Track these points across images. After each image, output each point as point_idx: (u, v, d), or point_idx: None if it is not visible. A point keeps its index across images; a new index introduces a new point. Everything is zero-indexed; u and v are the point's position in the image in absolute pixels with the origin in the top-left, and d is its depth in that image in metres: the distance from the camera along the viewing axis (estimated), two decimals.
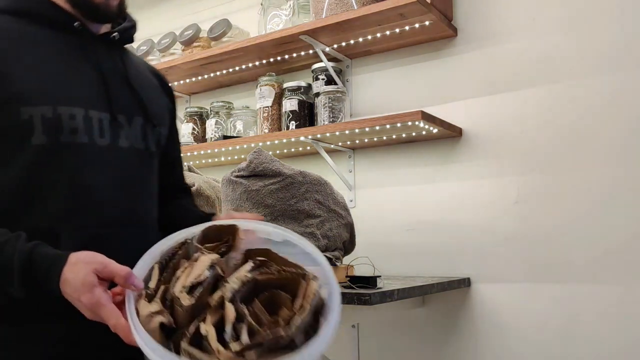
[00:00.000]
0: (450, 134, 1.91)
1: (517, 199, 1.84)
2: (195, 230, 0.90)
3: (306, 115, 2.14)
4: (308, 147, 2.08)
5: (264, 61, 2.27)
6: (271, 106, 2.20)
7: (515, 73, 1.87)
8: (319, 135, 1.94)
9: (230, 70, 2.36)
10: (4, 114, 0.90)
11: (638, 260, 1.65)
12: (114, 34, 1.04)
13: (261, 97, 2.22)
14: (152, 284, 0.81)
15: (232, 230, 0.89)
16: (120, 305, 0.79)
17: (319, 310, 0.78)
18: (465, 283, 1.87)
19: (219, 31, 2.32)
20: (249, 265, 0.81)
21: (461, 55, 1.98)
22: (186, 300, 0.75)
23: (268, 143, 2.04)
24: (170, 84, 1.23)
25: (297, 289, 0.79)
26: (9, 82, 0.90)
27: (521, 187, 1.83)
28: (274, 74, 2.26)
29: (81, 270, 0.81)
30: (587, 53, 1.76)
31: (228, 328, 0.73)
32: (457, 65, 1.98)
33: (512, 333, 1.81)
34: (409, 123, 1.75)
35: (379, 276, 1.46)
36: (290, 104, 2.13)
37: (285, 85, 2.19)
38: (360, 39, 2.03)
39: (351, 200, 2.13)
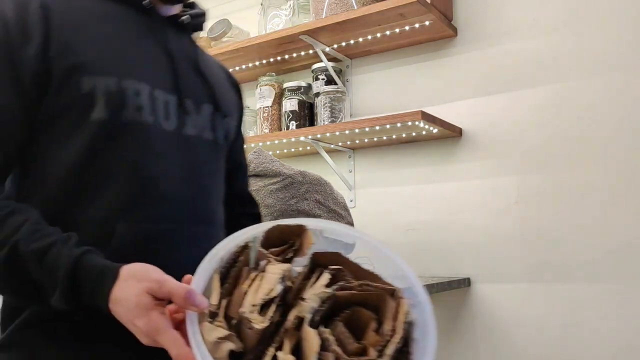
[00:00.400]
0: (450, 134, 1.91)
1: (517, 199, 1.84)
2: (257, 231, 0.77)
3: (306, 115, 2.14)
4: (308, 147, 2.08)
5: (264, 61, 2.27)
6: (271, 106, 2.20)
7: (515, 73, 1.87)
8: (319, 135, 1.94)
9: (231, 70, 2.36)
10: (64, 88, 0.81)
11: (638, 260, 1.65)
12: (185, 17, 0.98)
13: (261, 97, 2.22)
14: (214, 300, 0.69)
15: (299, 231, 0.78)
16: (180, 325, 0.69)
17: (408, 334, 0.68)
18: (465, 283, 1.87)
19: (219, 31, 2.32)
20: (326, 277, 0.70)
21: (461, 55, 1.97)
22: (259, 323, 0.65)
23: (268, 143, 2.04)
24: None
25: (382, 306, 0.70)
26: (72, 53, 0.81)
27: (521, 187, 1.83)
28: (274, 74, 2.26)
29: (133, 289, 0.70)
30: (587, 53, 1.76)
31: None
32: (457, 65, 1.98)
33: (512, 333, 1.81)
34: (409, 123, 1.75)
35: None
36: (290, 104, 2.13)
37: (285, 85, 2.19)
38: (360, 39, 2.03)
39: (351, 200, 2.13)
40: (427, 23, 1.89)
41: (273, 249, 0.76)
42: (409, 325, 0.68)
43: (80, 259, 0.74)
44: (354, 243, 0.81)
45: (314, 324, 0.66)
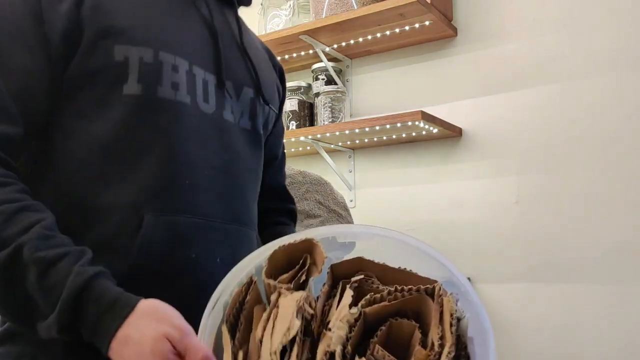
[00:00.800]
0: (450, 134, 1.91)
1: (517, 199, 1.84)
2: (259, 260, 0.67)
3: (306, 115, 2.14)
4: (308, 147, 2.08)
5: None
6: None
7: (515, 73, 1.87)
8: (319, 135, 1.94)
9: None
10: (95, 52, 0.73)
11: (638, 260, 1.65)
12: None
13: None
14: (227, 357, 0.59)
15: (306, 247, 0.68)
16: None
17: (460, 336, 0.59)
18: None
19: None
20: (349, 294, 0.61)
21: (461, 55, 1.97)
22: None
23: None
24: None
25: (423, 310, 0.61)
26: (106, 14, 0.74)
27: (521, 187, 1.83)
28: None
29: (150, 331, 0.60)
30: (587, 53, 1.76)
31: None
32: (457, 65, 1.98)
33: (512, 333, 1.81)
34: (409, 123, 1.75)
35: None
36: (290, 104, 2.13)
37: None
38: (360, 39, 2.03)
39: (351, 200, 2.13)
40: (427, 23, 1.89)
41: (282, 276, 0.66)
42: (459, 325, 0.59)
43: (92, 281, 0.63)
44: (353, 242, 0.76)
45: (347, 356, 0.57)
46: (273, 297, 0.63)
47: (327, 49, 2.10)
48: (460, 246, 1.91)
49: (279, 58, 2.23)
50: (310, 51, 2.14)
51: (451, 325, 0.58)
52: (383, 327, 0.60)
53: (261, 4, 2.28)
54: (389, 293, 0.62)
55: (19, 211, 0.66)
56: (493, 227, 1.86)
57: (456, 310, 0.60)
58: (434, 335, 0.58)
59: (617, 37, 1.73)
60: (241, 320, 0.63)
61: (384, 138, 1.99)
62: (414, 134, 1.91)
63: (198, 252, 0.75)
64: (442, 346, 0.57)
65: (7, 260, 0.63)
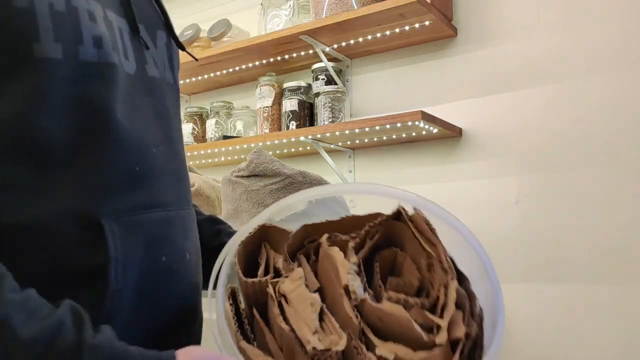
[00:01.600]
0: (450, 134, 1.91)
1: (517, 199, 1.84)
2: (225, 263, 0.65)
3: (306, 115, 2.14)
4: (308, 147, 2.08)
5: (264, 61, 2.27)
6: (271, 106, 2.20)
7: (515, 73, 1.87)
8: (319, 135, 1.94)
9: (230, 70, 2.36)
10: None
11: (638, 260, 1.65)
12: None
13: (261, 97, 2.22)
14: None
15: (263, 233, 0.69)
16: None
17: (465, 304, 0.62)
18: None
19: (219, 31, 2.32)
20: (337, 250, 0.64)
21: (461, 55, 1.97)
22: (340, 342, 0.56)
23: (268, 143, 2.04)
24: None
25: (395, 235, 0.65)
26: None
27: (521, 187, 1.83)
28: (274, 74, 2.26)
29: None
30: (587, 53, 1.76)
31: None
32: (457, 65, 1.98)
33: (512, 333, 1.81)
34: (409, 123, 1.75)
35: None
36: (290, 104, 2.13)
37: (285, 85, 2.19)
38: (360, 39, 2.03)
39: (351, 201, 2.13)
40: (427, 23, 1.89)
41: (260, 271, 0.67)
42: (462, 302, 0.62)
43: (116, 349, 0.50)
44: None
45: (374, 299, 0.61)
46: (269, 290, 0.62)
47: (327, 49, 2.10)
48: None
49: (279, 58, 2.25)
50: (310, 51, 2.14)
51: (431, 230, 0.62)
52: (377, 263, 0.64)
53: (261, 4, 2.28)
54: (366, 233, 0.66)
55: None
56: (493, 227, 1.86)
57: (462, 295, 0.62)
58: (417, 251, 0.62)
59: (617, 37, 1.72)
60: (246, 326, 0.61)
61: (384, 138, 1.99)
62: (414, 134, 1.91)
63: (167, 253, 0.64)
64: (430, 256, 0.62)
65: None
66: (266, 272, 0.66)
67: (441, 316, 0.60)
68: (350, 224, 0.71)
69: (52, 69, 0.54)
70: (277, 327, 0.59)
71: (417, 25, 1.91)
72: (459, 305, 0.62)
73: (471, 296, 0.64)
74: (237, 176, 1.65)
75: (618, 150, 1.70)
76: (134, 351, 0.51)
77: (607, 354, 1.67)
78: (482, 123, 1.92)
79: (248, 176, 1.63)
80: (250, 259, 0.68)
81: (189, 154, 2.25)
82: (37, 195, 0.54)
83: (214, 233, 0.83)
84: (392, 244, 0.69)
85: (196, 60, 0.87)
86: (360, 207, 2.14)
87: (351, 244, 0.66)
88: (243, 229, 0.69)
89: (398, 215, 0.67)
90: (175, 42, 0.74)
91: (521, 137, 1.85)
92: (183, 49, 0.77)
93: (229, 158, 2.34)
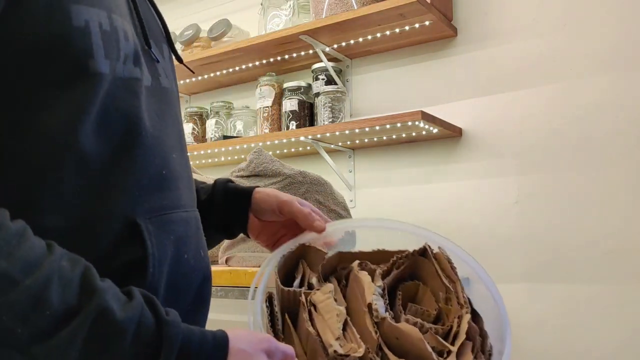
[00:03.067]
0: (450, 134, 1.91)
1: (517, 199, 1.84)
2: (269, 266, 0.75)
3: (306, 115, 2.14)
4: (308, 147, 2.08)
5: (264, 61, 2.27)
6: (271, 106, 2.20)
7: (515, 73, 1.87)
8: (319, 135, 1.94)
9: (230, 70, 2.36)
10: (45, 13, 0.57)
11: (638, 260, 1.65)
12: None
13: (261, 97, 2.22)
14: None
15: (301, 252, 0.79)
16: None
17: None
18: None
19: (219, 31, 2.32)
20: (365, 275, 0.72)
21: (461, 55, 1.97)
22: (359, 349, 0.64)
23: (268, 143, 2.04)
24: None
25: (419, 269, 0.73)
26: None
27: (521, 187, 1.83)
28: (274, 74, 2.26)
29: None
30: (587, 53, 1.76)
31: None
32: (457, 65, 1.98)
33: (512, 333, 1.81)
34: (409, 123, 1.75)
35: None
36: (290, 104, 2.13)
37: (285, 85, 2.19)
38: (360, 39, 2.03)
39: (351, 200, 2.13)
40: (427, 23, 1.89)
41: (295, 283, 0.75)
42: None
43: (183, 329, 0.56)
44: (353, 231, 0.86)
45: (393, 319, 0.67)
46: (302, 299, 0.70)
47: (327, 49, 2.10)
48: (460, 246, 1.91)
49: (279, 58, 2.25)
50: (310, 51, 2.14)
51: (452, 269, 0.71)
52: (399, 292, 0.72)
53: (261, 4, 2.28)
54: (393, 263, 0.74)
55: (48, 254, 0.52)
56: (493, 227, 1.86)
57: (450, 261, 0.72)
58: (438, 285, 0.71)
59: (617, 37, 1.73)
60: (278, 327, 0.69)
61: (384, 138, 1.99)
62: (414, 134, 1.91)
63: (188, 251, 0.69)
64: (449, 291, 0.70)
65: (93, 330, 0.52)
66: (301, 285, 0.75)
67: (452, 343, 0.67)
68: (381, 256, 0.79)
69: (99, 83, 0.60)
70: (304, 330, 0.66)
71: (417, 25, 1.91)
72: (469, 337, 0.68)
73: (483, 332, 0.71)
74: (237, 176, 1.65)
75: (618, 150, 1.70)
76: (195, 329, 0.58)
77: (606, 354, 1.67)
78: (482, 123, 1.92)
79: (248, 176, 1.63)
80: (288, 272, 0.78)
81: (189, 154, 2.24)
82: (81, 199, 0.59)
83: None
84: (416, 278, 0.77)
85: (192, 72, 0.94)
86: (359, 209, 2.13)
87: (379, 271, 0.75)
88: (285, 246, 0.79)
89: (424, 252, 0.76)
90: (175, 56, 0.81)
91: (521, 137, 1.85)
92: (181, 61, 0.85)
93: (229, 158, 2.34)
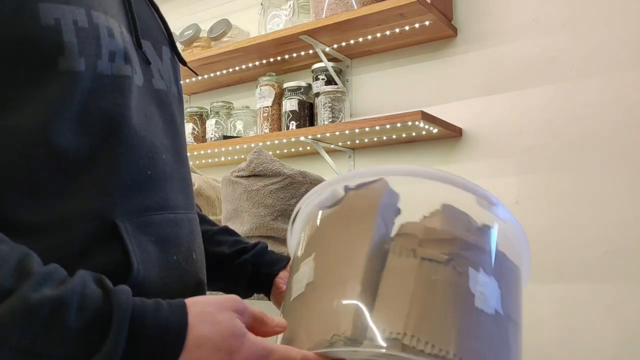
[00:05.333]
0: (450, 134, 1.91)
1: (517, 199, 1.84)
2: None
3: (306, 115, 2.14)
4: (308, 147, 2.08)
5: (264, 61, 2.27)
6: (271, 106, 2.20)
7: (515, 73, 1.87)
8: (319, 135, 1.94)
9: (230, 70, 2.36)
10: (14, 14, 0.57)
11: (637, 260, 1.65)
12: None
13: (261, 97, 2.22)
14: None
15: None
16: None
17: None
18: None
19: (219, 31, 2.32)
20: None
21: (461, 55, 1.97)
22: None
23: (268, 143, 2.04)
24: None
25: None
26: None
27: (521, 187, 1.83)
28: (274, 74, 2.26)
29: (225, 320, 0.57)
30: (587, 53, 1.76)
31: None
32: (457, 65, 1.98)
33: None
34: (409, 123, 1.75)
35: None
36: (290, 104, 2.13)
37: (285, 85, 2.19)
38: (360, 39, 2.03)
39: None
40: (427, 23, 1.89)
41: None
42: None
43: (144, 308, 0.54)
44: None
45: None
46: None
47: (327, 49, 2.10)
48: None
49: (279, 58, 2.25)
50: (310, 51, 2.14)
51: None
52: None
53: (261, 4, 2.28)
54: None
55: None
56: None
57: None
58: None
59: (617, 36, 1.72)
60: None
61: (384, 138, 1.99)
62: (414, 134, 1.91)
63: (178, 254, 0.68)
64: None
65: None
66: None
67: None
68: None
69: (74, 81, 0.59)
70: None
71: (417, 25, 1.91)
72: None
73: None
74: (237, 176, 1.65)
75: (618, 150, 1.70)
76: (148, 299, 0.56)
77: (606, 354, 1.67)
78: (482, 123, 1.92)
79: (248, 176, 1.63)
80: None
81: (189, 154, 2.24)
82: (54, 197, 0.59)
83: (233, 243, 0.92)
84: None
85: (197, 75, 0.92)
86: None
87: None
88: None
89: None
90: (177, 58, 0.80)
91: (521, 137, 1.85)
92: (184, 64, 0.83)
93: (229, 158, 2.34)
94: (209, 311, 0.56)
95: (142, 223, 0.63)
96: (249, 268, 0.89)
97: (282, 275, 0.89)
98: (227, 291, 0.90)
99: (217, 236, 0.92)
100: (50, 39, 0.58)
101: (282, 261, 0.91)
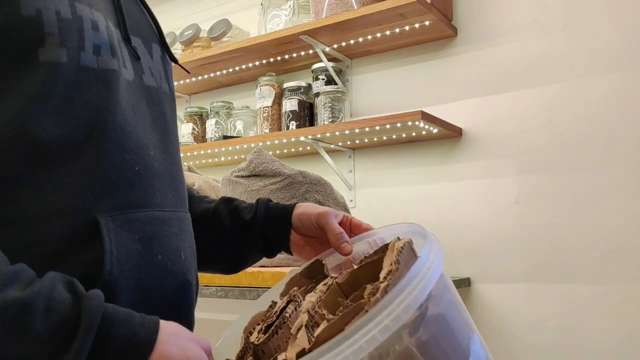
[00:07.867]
0: (450, 134, 1.91)
1: (517, 199, 1.84)
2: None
3: (306, 115, 2.14)
4: (308, 147, 2.08)
5: (264, 61, 2.27)
6: (271, 106, 2.20)
7: (515, 73, 1.87)
8: (319, 135, 1.94)
9: (230, 70, 2.36)
10: None
11: (638, 260, 1.65)
12: None
13: (261, 97, 2.22)
14: None
15: (319, 267, 0.76)
16: None
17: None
18: (465, 283, 1.87)
19: (219, 31, 2.32)
20: (326, 280, 0.68)
21: (461, 55, 1.98)
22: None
23: (268, 143, 2.04)
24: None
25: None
26: None
27: (521, 187, 1.83)
28: (274, 74, 2.26)
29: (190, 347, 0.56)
30: (587, 53, 1.77)
31: (300, 334, 0.57)
32: (457, 65, 1.98)
33: (512, 333, 1.81)
34: (409, 123, 1.75)
35: None
36: (290, 104, 2.13)
37: (285, 85, 2.19)
38: (360, 39, 2.03)
39: (351, 200, 2.13)
40: (427, 23, 1.89)
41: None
42: (405, 247, 0.61)
43: (112, 315, 0.53)
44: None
45: (314, 315, 0.63)
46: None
47: (327, 49, 2.10)
48: (460, 246, 1.91)
49: (279, 58, 2.25)
50: (310, 51, 2.14)
51: (401, 255, 0.60)
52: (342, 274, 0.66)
53: (261, 4, 2.28)
54: (360, 262, 0.68)
55: None
56: (493, 227, 1.86)
57: (407, 245, 0.62)
58: (384, 269, 0.59)
59: (617, 37, 1.73)
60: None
61: (384, 138, 1.99)
62: (414, 134, 1.91)
63: (163, 252, 0.65)
64: (390, 274, 0.58)
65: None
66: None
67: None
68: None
69: (55, 72, 0.58)
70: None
71: (417, 25, 1.91)
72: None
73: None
74: (237, 176, 1.65)
75: (618, 150, 1.70)
76: (123, 309, 0.55)
77: (606, 354, 1.67)
78: (482, 123, 1.92)
79: (248, 176, 1.63)
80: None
81: (189, 154, 2.25)
82: (33, 191, 0.57)
83: (232, 210, 0.89)
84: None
85: (188, 72, 0.94)
86: (359, 209, 2.14)
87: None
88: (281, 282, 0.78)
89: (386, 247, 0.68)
90: (168, 56, 0.79)
91: (521, 137, 1.85)
92: (176, 61, 0.82)
93: (229, 158, 2.34)
94: (182, 336, 0.56)
95: (125, 220, 0.61)
96: (259, 243, 0.87)
97: (295, 225, 0.85)
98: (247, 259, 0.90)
99: (217, 216, 0.90)
100: (31, 29, 0.57)
101: (285, 219, 0.86)
